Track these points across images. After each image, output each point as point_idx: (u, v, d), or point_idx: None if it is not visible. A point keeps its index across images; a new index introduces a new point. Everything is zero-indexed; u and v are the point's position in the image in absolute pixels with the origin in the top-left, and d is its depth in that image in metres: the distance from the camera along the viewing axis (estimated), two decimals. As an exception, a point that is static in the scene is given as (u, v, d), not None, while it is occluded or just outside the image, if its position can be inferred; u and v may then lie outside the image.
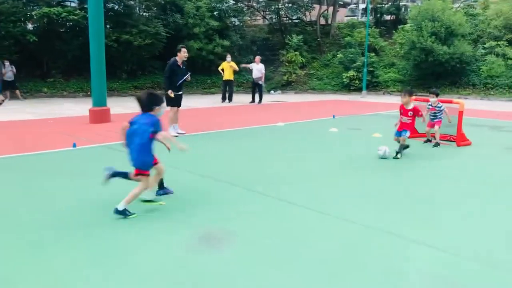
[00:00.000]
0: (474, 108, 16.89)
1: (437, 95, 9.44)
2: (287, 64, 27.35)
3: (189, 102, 18.55)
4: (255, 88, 19.41)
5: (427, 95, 10.72)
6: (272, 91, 26.17)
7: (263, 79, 19.49)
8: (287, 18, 31.95)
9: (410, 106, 8.01)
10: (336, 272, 3.50)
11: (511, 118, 14.09)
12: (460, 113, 9.04)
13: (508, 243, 4.14)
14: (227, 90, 19.36)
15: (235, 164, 7.36)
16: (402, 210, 5.06)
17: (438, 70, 23.48)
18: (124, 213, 4.59)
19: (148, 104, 4.82)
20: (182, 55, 9.80)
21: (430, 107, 9.38)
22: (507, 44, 23.20)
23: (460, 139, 9.15)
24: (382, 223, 4.56)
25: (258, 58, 19.43)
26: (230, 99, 19.25)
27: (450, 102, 9.81)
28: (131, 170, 4.80)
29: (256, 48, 28.28)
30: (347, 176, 6.60)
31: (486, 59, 23.38)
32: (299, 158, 7.90)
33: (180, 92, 10.10)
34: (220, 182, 6.13)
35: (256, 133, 10.63)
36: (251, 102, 19.26)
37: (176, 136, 9.75)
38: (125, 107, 15.87)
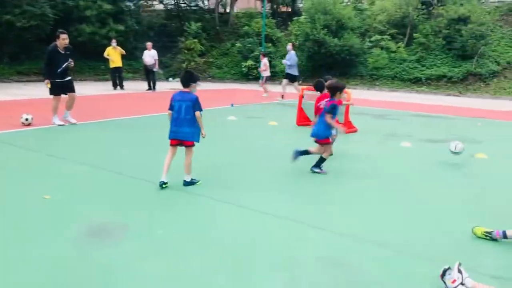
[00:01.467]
0: (361, 97, 18.13)
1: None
2: (186, 51, 26.99)
3: (80, 89, 17.53)
4: (149, 75, 18.95)
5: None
6: (170, 79, 25.68)
7: (157, 66, 19.07)
8: (185, 5, 31.45)
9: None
10: (235, 260, 3.59)
11: (393, 107, 15.37)
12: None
13: (393, 224, 4.56)
14: (117, 76, 18.66)
15: (126, 154, 7.16)
16: (301, 196, 5.31)
17: (330, 62, 24.76)
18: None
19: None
20: (62, 41, 9.22)
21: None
22: (390, 38, 25.15)
23: (347, 126, 9.79)
24: (281, 210, 4.75)
25: (150, 44, 18.96)
26: (121, 86, 18.56)
27: (339, 92, 10.42)
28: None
29: (153, 34, 27.46)
30: (246, 164, 6.75)
31: (372, 52, 25.14)
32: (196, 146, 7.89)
33: (67, 79, 9.52)
34: (110, 172, 5.94)
35: (149, 122, 10.40)
36: (147, 90, 18.75)
37: (62, 125, 9.24)
38: (7, 94, 14.59)
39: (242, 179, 5.91)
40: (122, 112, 11.11)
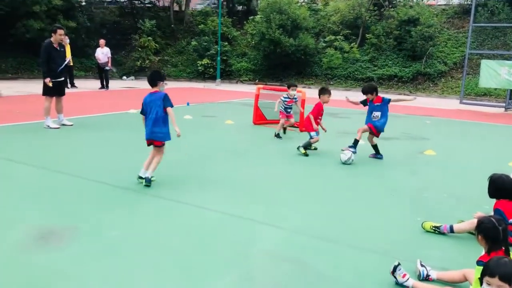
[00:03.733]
0: (316, 97, 18.40)
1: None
2: (140, 49, 26.50)
3: (30, 88, 16.87)
4: (102, 73, 18.49)
5: (279, 84, 11.29)
6: (124, 77, 25.15)
7: (110, 64, 18.62)
8: (139, 2, 30.87)
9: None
10: (186, 260, 3.55)
11: (345, 106, 15.70)
12: (303, 101, 9.80)
13: (344, 220, 4.65)
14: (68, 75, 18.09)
15: (75, 155, 6.95)
16: (251, 194, 5.33)
17: (286, 61, 25.03)
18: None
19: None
20: (58, 37, 8.84)
21: (288, 99, 9.21)
22: (344, 39, 25.70)
23: (302, 125, 9.91)
24: (234, 209, 4.75)
25: (102, 41, 18.50)
26: (72, 84, 17.98)
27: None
28: None
29: (106, 31, 26.78)
30: (197, 164, 6.70)
31: (326, 52, 25.60)
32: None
33: (62, 79, 9.17)
34: (59, 174, 5.74)
35: (106, 120, 10.14)
36: (100, 88, 18.27)
37: (58, 128, 8.89)
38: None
39: (194, 177, 5.87)
40: (74, 111, 10.76)
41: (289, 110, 9.26)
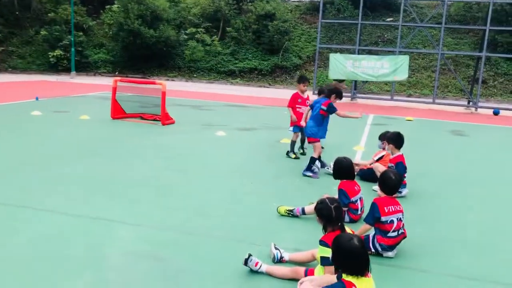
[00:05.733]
0: (179, 89, 18.25)
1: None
2: (-23, 38, 23.43)
3: None
4: None
5: (142, 77, 10.87)
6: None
7: None
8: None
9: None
10: (33, 270, 3.21)
11: (209, 98, 15.84)
12: (163, 94, 9.56)
13: (202, 212, 4.63)
14: None
15: None
16: (108, 193, 5.04)
17: (147, 53, 24.31)
18: None
19: None
20: None
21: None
22: (205, 32, 25.84)
23: (164, 118, 9.72)
24: (87, 210, 4.44)
25: None
26: None
27: (153, 83, 10.30)
28: None
29: None
30: (43, 164, 6.14)
31: (188, 44, 25.48)
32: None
33: None
34: None
35: None
36: None
37: None
38: None
39: (39, 179, 5.36)
40: None
41: None
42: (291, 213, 4.51)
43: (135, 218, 4.27)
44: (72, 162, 6.23)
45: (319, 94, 6.95)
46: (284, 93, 19.78)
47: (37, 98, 12.58)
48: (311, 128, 6.28)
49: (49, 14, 25.91)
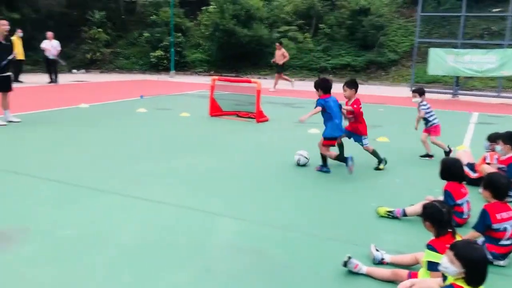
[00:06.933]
0: (270, 87, 18.48)
1: (420, 94, 6.98)
2: (90, 41, 25.64)
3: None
4: (51, 67, 17.77)
5: (235, 75, 11.20)
6: (74, 70, 24.29)
7: (59, 57, 17.95)
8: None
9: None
10: (143, 256, 3.47)
11: (302, 96, 15.86)
12: (258, 92, 9.77)
13: (298, 208, 4.68)
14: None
15: (23, 152, 6.66)
16: (210, 187, 5.27)
17: (240, 52, 24.91)
18: None
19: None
20: (1, 28, 8.36)
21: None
22: (297, 29, 25.85)
23: (259, 116, 9.92)
24: (190, 202, 4.68)
25: (50, 34, 17.80)
26: (16, 79, 17.15)
27: (249, 81, 10.54)
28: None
29: (53, 23, 25.65)
30: (153, 157, 6.57)
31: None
32: (102, 141, 7.56)
33: (7, 74, 8.67)
34: (6, 172, 5.48)
35: (56, 116, 9.75)
36: (49, 82, 17.57)
37: (4, 125, 8.40)
38: None
39: (149, 172, 5.74)
40: (22, 107, 10.27)
41: (426, 124, 7.06)
42: (391, 214, 4.39)
43: (234, 211, 4.42)
44: (177, 156, 6.60)
45: (416, 93, 6.69)
46: (379, 90, 19.22)
47: (141, 97, 13.49)
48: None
49: (151, 17, 27.58)
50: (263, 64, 25.89)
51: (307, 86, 20.30)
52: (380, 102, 14.61)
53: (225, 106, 10.73)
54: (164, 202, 4.62)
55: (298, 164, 6.30)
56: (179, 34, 26.38)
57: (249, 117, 10.26)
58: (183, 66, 26.32)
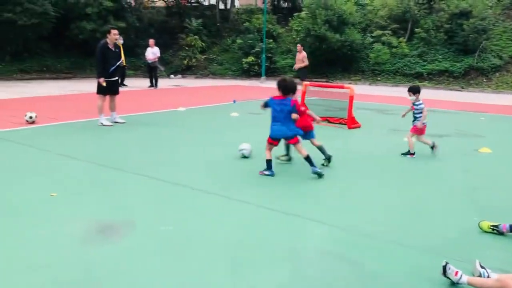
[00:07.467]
0: (363, 93, 18.10)
1: (414, 92, 7.35)
2: (186, 48, 26.99)
3: (83, 86, 17.57)
4: (152, 72, 18.97)
5: (326, 81, 11.19)
6: (172, 76, 25.70)
7: (159, 63, 19.09)
8: (186, 1, 31.41)
9: None
10: (237, 256, 3.59)
11: (395, 102, 15.35)
12: (351, 98, 9.65)
13: (396, 218, 4.55)
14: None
15: (128, 152, 7.17)
16: (298, 190, 5.31)
17: (331, 57, 24.72)
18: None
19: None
20: (112, 37, 9.24)
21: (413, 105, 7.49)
22: (392, 34, 25.09)
23: (350, 122, 9.78)
24: (278, 204, 4.76)
25: (152, 41, 18.97)
26: (122, 84, 18.50)
27: (341, 87, 10.43)
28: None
29: (154, 30, 27.42)
30: (247, 161, 6.75)
31: (373, 47, 25.08)
32: (201, 143, 7.91)
33: (115, 78, 9.55)
34: (113, 169, 5.94)
35: (156, 118, 10.40)
36: (149, 87, 18.75)
37: (111, 125, 9.23)
38: (9, 92, 14.59)
39: (245, 174, 5.90)
40: (126, 109, 11.09)
41: (413, 121, 7.49)
42: (496, 229, 4.10)
43: (324, 217, 4.41)
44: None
45: (410, 91, 7.28)
46: (479, 97, 18.04)
47: (234, 101, 13.91)
48: None
49: (244, 24, 28.40)
50: (354, 69, 25.48)
51: (402, 92, 19.60)
52: (482, 110, 13.69)
53: (315, 111, 10.68)
54: (252, 203, 4.72)
55: (243, 156, 6.77)
56: (271, 40, 26.83)
57: (340, 123, 10.14)
58: (273, 72, 26.70)
